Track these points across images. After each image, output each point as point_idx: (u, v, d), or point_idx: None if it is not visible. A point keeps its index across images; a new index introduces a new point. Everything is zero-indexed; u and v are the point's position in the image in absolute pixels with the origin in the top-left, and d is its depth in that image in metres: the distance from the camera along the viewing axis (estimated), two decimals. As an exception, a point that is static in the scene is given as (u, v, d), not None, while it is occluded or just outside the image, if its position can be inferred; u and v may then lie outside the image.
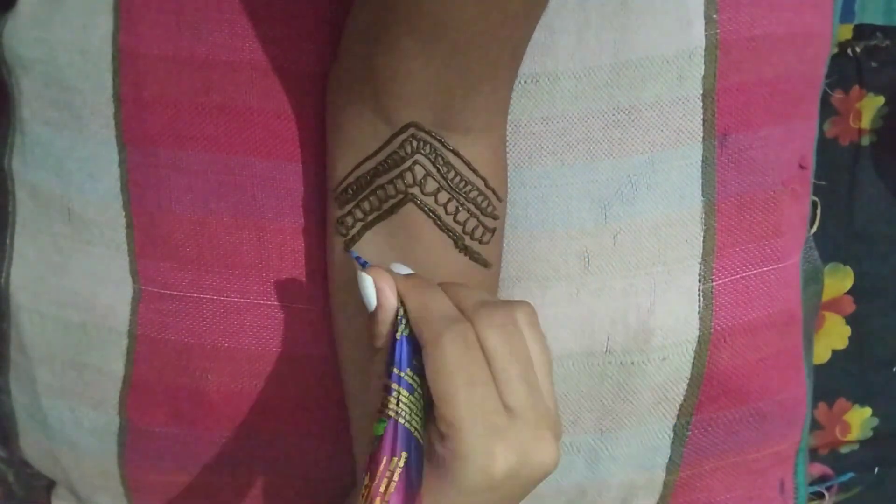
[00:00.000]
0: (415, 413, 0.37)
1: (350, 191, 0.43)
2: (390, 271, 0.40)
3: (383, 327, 0.39)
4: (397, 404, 0.36)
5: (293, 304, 0.48)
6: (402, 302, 0.39)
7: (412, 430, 0.37)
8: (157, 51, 0.46)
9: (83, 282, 0.50)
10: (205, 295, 0.48)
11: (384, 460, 0.36)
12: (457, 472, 0.36)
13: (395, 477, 0.36)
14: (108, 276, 0.49)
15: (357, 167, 0.43)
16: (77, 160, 0.48)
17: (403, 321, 0.38)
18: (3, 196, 0.51)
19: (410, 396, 0.37)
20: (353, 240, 0.44)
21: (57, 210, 0.49)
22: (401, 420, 0.36)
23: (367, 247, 0.43)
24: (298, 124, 0.46)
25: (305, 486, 0.52)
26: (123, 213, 0.48)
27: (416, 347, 0.38)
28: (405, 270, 0.40)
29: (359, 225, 0.43)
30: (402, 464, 0.36)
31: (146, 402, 0.50)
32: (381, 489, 0.35)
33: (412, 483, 0.36)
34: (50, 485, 0.57)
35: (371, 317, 0.39)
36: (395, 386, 0.37)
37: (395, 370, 0.37)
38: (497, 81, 0.41)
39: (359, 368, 0.45)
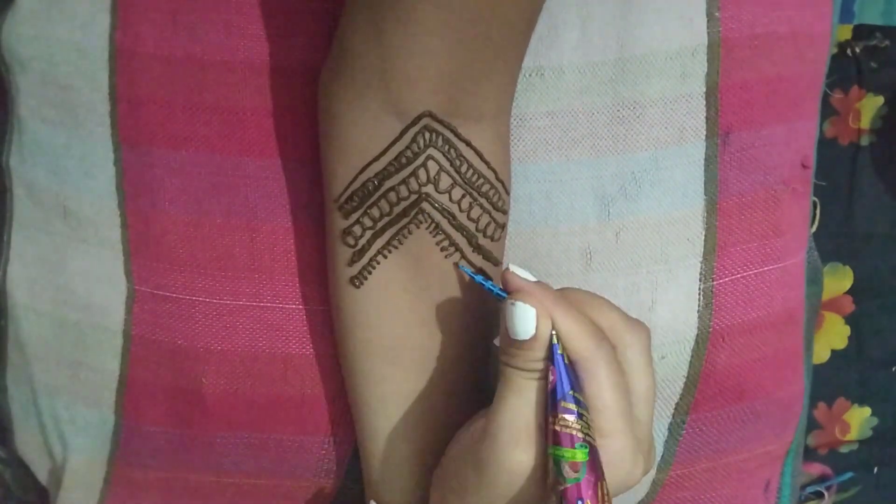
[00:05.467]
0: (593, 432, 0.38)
1: (356, 198, 0.42)
2: (535, 287, 0.39)
3: (540, 353, 0.38)
4: (589, 426, 0.37)
5: (286, 304, 0.48)
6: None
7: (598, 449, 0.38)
8: (153, 50, 0.46)
9: (79, 280, 0.49)
10: (197, 297, 0.48)
11: (601, 484, 0.37)
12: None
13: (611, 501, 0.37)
14: (103, 275, 0.49)
15: (361, 171, 0.42)
16: (73, 158, 0.48)
17: (559, 344, 0.38)
18: (1, 193, 0.51)
19: (589, 416, 0.38)
20: (363, 250, 0.43)
21: (53, 208, 0.49)
22: (594, 442, 0.37)
23: (377, 257, 0.43)
24: (291, 123, 0.46)
25: (298, 486, 0.52)
26: (118, 213, 0.48)
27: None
28: (526, 274, 0.40)
29: (368, 234, 0.43)
30: (608, 487, 0.37)
31: (142, 401, 0.50)
32: None
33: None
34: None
35: (520, 343, 0.38)
36: (580, 409, 0.37)
37: (574, 393, 0.37)
38: (513, 57, 0.41)
39: (380, 377, 0.45)
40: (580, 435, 0.37)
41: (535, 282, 0.40)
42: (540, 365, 0.38)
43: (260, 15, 0.45)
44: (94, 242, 0.49)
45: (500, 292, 0.41)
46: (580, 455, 0.36)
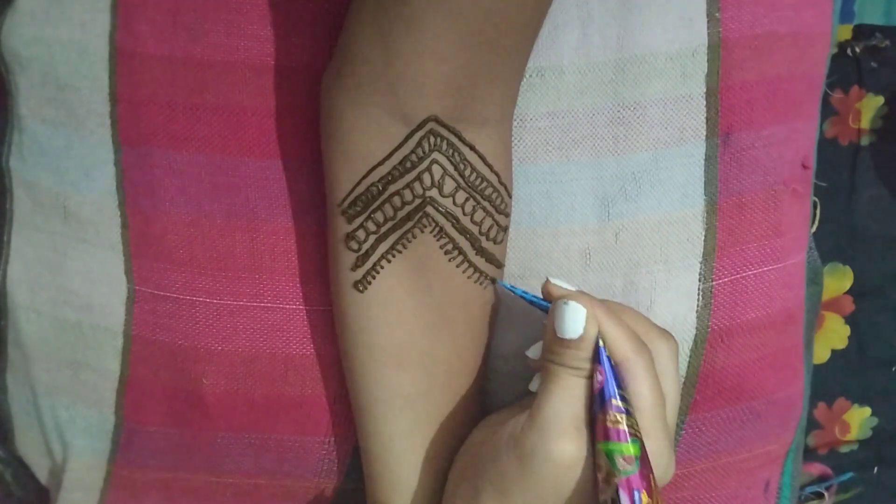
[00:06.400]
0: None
1: (360, 203, 0.42)
2: (580, 294, 0.41)
3: (586, 352, 0.40)
4: (637, 424, 0.39)
5: (286, 304, 0.48)
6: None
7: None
8: (154, 50, 0.46)
9: (79, 280, 0.49)
10: (198, 297, 0.48)
11: (651, 477, 0.38)
12: None
13: (660, 493, 0.39)
14: (103, 275, 0.49)
15: (365, 176, 0.42)
16: (73, 158, 0.48)
17: (604, 347, 0.40)
18: (1, 194, 0.51)
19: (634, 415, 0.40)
20: (367, 255, 0.43)
21: (53, 208, 0.49)
22: (642, 438, 0.39)
23: (381, 261, 0.43)
24: (292, 123, 0.46)
25: (298, 486, 0.52)
26: (119, 213, 0.48)
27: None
28: (567, 284, 0.42)
29: (372, 238, 0.43)
30: (655, 480, 0.39)
31: (142, 402, 0.50)
32: None
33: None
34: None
35: (568, 343, 0.40)
36: (627, 407, 0.39)
37: (622, 392, 0.39)
38: (518, 62, 0.41)
39: (383, 381, 0.45)
40: (631, 431, 0.38)
41: (577, 290, 0.41)
42: (585, 364, 0.40)
43: (260, 15, 0.45)
44: (94, 242, 0.49)
45: (541, 303, 0.43)
46: (633, 449, 0.38)
